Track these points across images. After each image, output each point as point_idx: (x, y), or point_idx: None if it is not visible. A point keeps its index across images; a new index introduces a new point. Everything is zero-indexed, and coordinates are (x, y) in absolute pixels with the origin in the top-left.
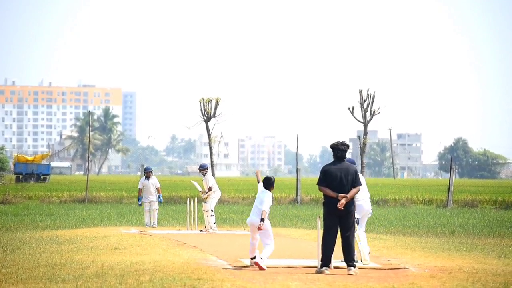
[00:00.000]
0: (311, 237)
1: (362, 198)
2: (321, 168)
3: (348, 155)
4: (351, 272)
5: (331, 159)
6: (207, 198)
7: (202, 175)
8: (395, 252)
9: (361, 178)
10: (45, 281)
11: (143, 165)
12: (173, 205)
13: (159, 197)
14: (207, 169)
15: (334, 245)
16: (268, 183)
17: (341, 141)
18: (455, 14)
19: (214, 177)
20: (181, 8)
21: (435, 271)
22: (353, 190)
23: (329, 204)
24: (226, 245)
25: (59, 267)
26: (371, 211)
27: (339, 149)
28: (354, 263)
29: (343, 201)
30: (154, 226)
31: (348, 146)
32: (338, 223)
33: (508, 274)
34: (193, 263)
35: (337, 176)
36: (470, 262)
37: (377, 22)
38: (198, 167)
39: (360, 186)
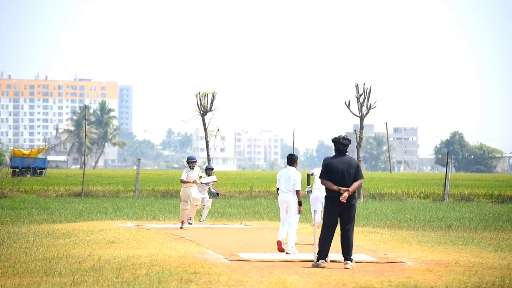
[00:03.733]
0: (308, 231)
1: (319, 188)
2: (322, 160)
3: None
4: (347, 266)
5: (327, 153)
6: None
7: (191, 168)
8: (392, 246)
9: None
10: (41, 274)
11: (139, 159)
12: (169, 199)
13: (214, 193)
14: (195, 161)
15: (332, 239)
16: (292, 158)
17: (342, 135)
18: (451, 8)
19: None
20: (177, 2)
21: (431, 264)
22: (355, 184)
23: (330, 198)
24: (222, 239)
25: (56, 260)
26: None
27: (340, 143)
28: (352, 257)
29: (345, 194)
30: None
31: (349, 141)
32: (338, 217)
33: (504, 267)
34: (190, 257)
35: (339, 170)
36: (466, 256)
37: (373, 16)
38: (195, 161)
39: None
